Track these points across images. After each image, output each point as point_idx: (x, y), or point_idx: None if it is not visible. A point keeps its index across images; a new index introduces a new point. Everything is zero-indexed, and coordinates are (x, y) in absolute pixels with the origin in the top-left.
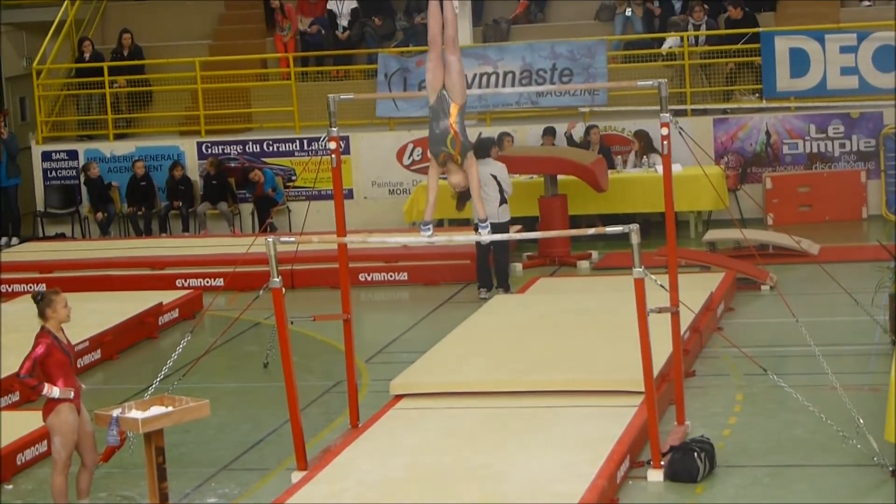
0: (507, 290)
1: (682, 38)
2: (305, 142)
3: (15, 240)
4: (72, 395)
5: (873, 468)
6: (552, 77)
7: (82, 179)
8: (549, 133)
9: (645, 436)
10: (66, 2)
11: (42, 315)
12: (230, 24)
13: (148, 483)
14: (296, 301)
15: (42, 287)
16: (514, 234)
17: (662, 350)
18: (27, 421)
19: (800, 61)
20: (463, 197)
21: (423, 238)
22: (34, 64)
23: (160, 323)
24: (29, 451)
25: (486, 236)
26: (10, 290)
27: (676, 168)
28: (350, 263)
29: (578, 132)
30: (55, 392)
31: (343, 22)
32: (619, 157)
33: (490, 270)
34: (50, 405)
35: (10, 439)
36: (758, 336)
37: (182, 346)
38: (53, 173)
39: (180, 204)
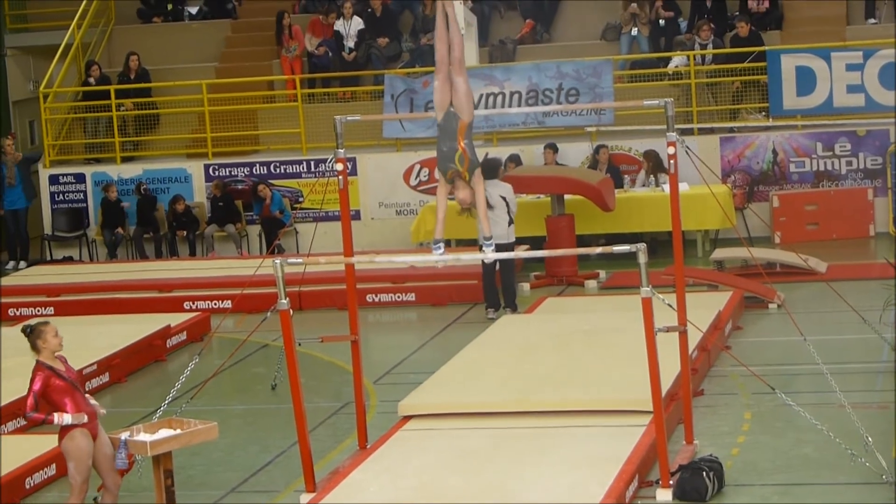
0: (514, 310)
1: (688, 58)
2: (312, 163)
3: (23, 263)
4: (84, 419)
5: (882, 486)
6: (558, 97)
7: (99, 200)
8: (551, 148)
9: (654, 455)
10: (72, 25)
11: (34, 348)
12: (236, 47)
13: None
14: (304, 322)
15: (50, 311)
16: (520, 253)
17: (671, 369)
18: (36, 444)
19: (806, 79)
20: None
21: (435, 256)
22: (41, 87)
23: (168, 345)
24: (38, 475)
25: (490, 255)
26: (17, 313)
27: (683, 187)
28: (357, 284)
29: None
30: (66, 419)
31: (350, 43)
32: (627, 176)
33: (497, 290)
34: (64, 430)
35: (19, 463)
36: (766, 355)
37: (190, 369)
38: (61, 196)
39: (185, 232)
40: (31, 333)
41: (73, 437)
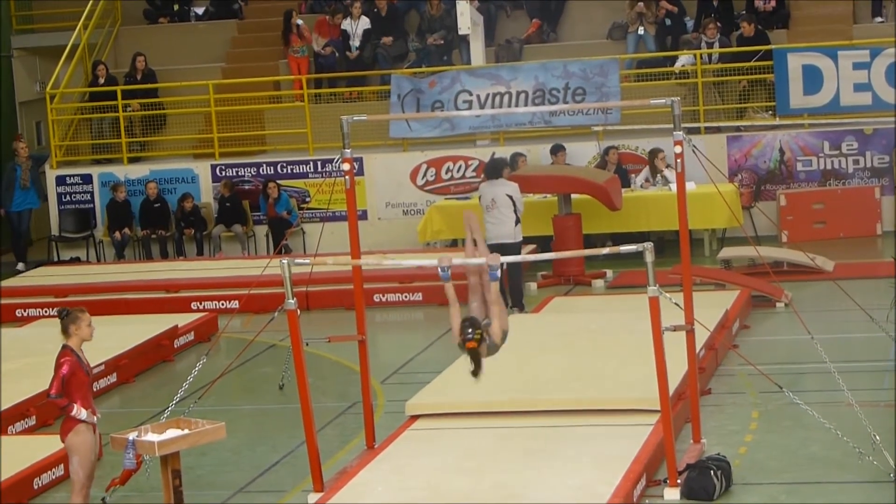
0: (521, 309)
1: (694, 56)
2: (319, 163)
3: (21, 265)
4: (95, 420)
5: (890, 484)
6: (565, 96)
7: (106, 200)
8: (560, 149)
9: (661, 454)
10: (79, 26)
11: (65, 331)
12: (243, 47)
13: None
14: (311, 322)
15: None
16: (527, 256)
17: (678, 368)
18: (44, 445)
19: (813, 78)
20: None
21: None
22: (48, 88)
23: (176, 346)
24: (46, 476)
25: (500, 258)
26: (24, 314)
27: (690, 186)
28: (365, 284)
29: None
30: (83, 414)
31: (355, 42)
32: (634, 175)
33: (504, 290)
34: (69, 425)
35: (27, 463)
36: (773, 353)
37: (198, 369)
38: (68, 197)
39: (193, 231)
40: (67, 317)
41: (79, 433)
